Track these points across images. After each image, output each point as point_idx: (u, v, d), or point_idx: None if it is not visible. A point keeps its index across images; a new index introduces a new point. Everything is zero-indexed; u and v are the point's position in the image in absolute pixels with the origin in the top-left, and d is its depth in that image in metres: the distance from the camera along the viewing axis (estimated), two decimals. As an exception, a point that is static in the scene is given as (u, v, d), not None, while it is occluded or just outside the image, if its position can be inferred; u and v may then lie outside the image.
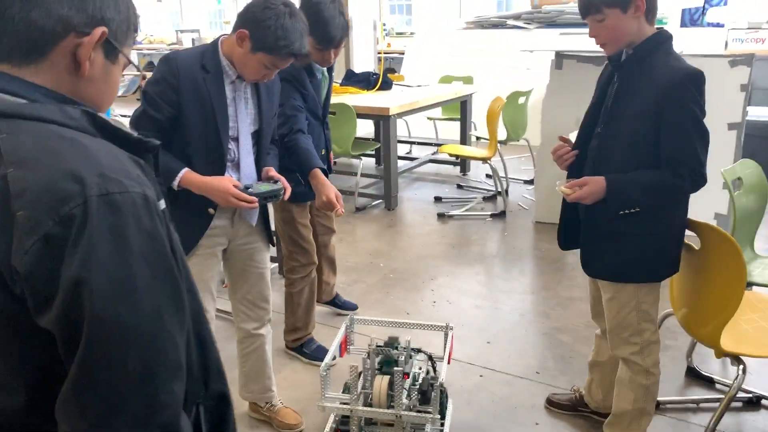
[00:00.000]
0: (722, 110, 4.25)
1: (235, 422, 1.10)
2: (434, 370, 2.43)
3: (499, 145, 5.32)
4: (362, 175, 5.60)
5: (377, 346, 2.44)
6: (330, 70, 2.97)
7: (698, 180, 1.95)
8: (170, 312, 0.86)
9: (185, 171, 2.06)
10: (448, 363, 2.48)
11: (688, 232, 2.15)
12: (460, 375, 2.97)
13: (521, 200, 5.55)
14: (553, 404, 2.69)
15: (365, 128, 6.69)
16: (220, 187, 2.06)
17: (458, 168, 6.62)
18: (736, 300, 2.07)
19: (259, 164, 2.29)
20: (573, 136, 2.26)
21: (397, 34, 11.22)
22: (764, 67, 6.10)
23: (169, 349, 0.85)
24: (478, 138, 6.31)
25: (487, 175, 6.21)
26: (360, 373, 2.42)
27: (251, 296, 2.45)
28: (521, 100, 5.82)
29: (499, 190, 5.46)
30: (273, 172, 2.27)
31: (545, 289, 3.87)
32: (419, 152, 7.33)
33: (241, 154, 2.21)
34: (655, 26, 2.01)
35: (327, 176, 2.70)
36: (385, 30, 10.27)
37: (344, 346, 2.55)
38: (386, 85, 6.07)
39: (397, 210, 5.46)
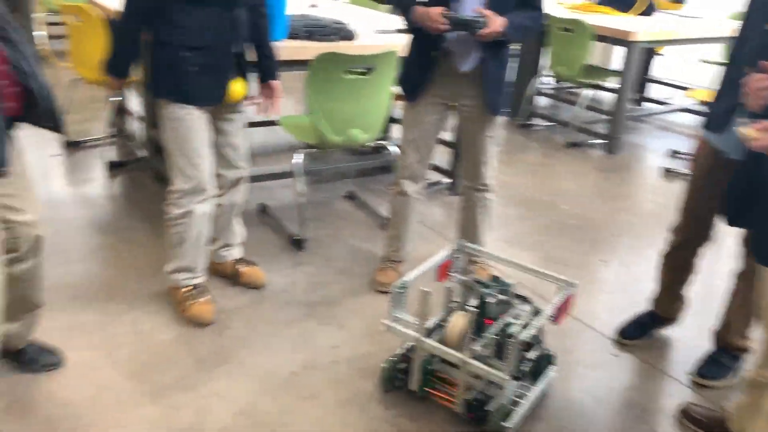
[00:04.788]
0: None
1: None
2: (537, 329, 2.02)
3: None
4: (587, 108, 4.94)
5: (466, 279, 2.09)
6: None
7: None
8: None
9: (414, 7, 2.32)
10: (556, 322, 2.04)
11: None
12: (590, 345, 2.48)
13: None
14: (687, 418, 2.10)
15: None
16: (428, 10, 2.25)
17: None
18: None
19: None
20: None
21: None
22: None
23: None
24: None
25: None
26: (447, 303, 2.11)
27: (475, 159, 2.59)
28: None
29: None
30: (481, 9, 2.26)
31: None
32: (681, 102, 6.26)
33: None
34: None
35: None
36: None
37: (445, 271, 2.24)
38: (648, 10, 5.17)
39: (617, 155, 4.74)
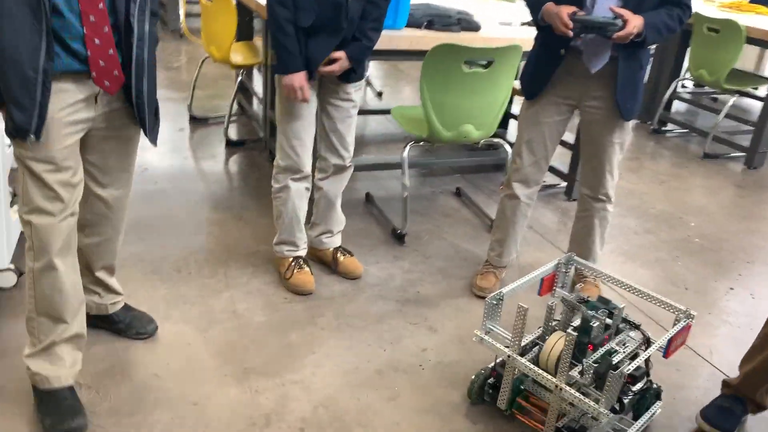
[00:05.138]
0: None
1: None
2: (645, 360, 1.83)
3: None
4: (729, 116, 4.50)
5: (570, 297, 1.93)
6: None
7: None
8: None
9: (545, 4, 2.15)
10: (666, 356, 1.84)
11: None
12: (704, 382, 2.23)
13: None
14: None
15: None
16: (559, 10, 2.09)
17: None
18: None
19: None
20: None
21: None
22: None
23: None
24: None
25: None
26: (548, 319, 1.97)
27: (597, 166, 2.41)
28: None
29: None
30: (616, 8, 2.06)
31: None
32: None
33: None
34: None
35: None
36: None
37: (548, 285, 2.09)
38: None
39: (760, 171, 4.29)
